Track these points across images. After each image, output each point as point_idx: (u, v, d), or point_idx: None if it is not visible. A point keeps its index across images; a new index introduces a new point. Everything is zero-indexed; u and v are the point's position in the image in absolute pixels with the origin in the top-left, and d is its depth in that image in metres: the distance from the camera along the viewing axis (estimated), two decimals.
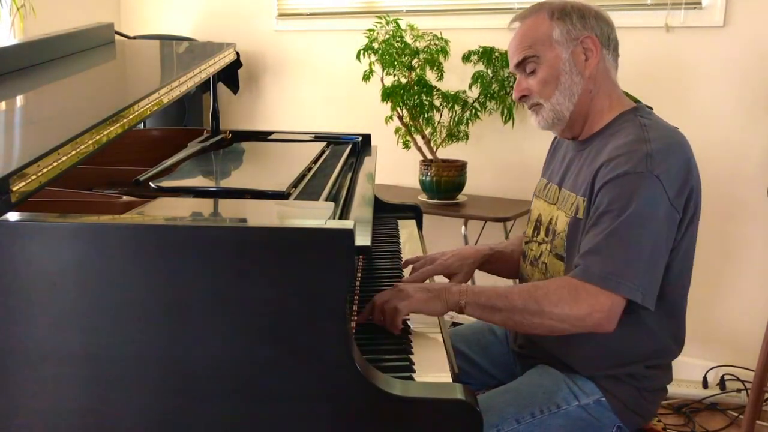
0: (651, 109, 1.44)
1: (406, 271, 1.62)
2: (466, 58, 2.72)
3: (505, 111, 2.71)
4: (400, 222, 2.00)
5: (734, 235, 2.53)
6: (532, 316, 1.22)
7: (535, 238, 1.50)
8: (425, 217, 2.12)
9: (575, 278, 1.23)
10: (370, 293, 1.46)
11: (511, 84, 2.69)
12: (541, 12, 1.39)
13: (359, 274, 1.54)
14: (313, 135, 2.05)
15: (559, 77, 1.37)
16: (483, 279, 2.86)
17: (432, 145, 2.81)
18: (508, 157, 2.87)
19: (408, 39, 2.79)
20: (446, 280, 1.56)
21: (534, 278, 1.50)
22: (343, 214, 1.34)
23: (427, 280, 1.51)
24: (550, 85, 1.38)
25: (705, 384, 2.59)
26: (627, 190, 1.24)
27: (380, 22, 2.79)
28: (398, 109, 2.78)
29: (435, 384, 1.04)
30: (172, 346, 0.94)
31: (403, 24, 2.80)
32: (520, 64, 1.41)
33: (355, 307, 1.37)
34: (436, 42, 2.77)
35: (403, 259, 1.67)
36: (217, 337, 0.94)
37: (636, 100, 1.46)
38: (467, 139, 2.78)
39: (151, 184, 1.36)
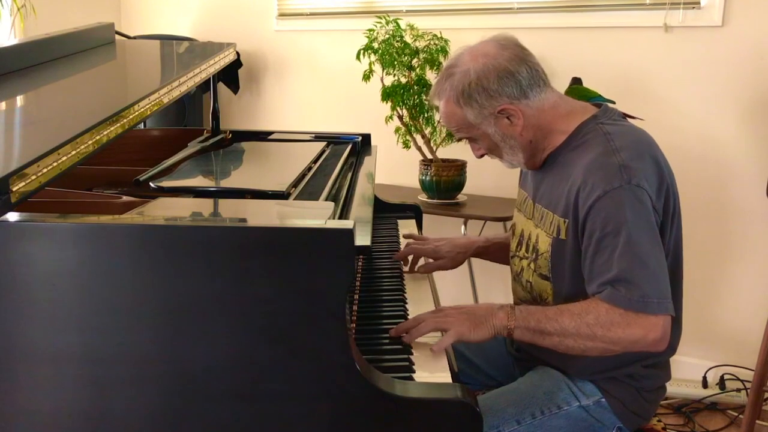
0: (613, 103, 1.42)
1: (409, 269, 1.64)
2: None
3: None
4: (400, 222, 2.00)
5: (733, 235, 2.53)
6: (585, 340, 1.20)
7: (518, 253, 1.49)
8: (425, 217, 2.12)
9: (617, 306, 1.19)
10: (370, 293, 1.47)
11: None
12: (448, 97, 1.37)
13: (359, 274, 1.54)
14: (313, 135, 2.05)
15: (498, 145, 1.40)
16: (481, 266, 2.86)
17: (432, 144, 2.81)
18: None
19: (408, 39, 2.78)
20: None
21: (518, 294, 1.50)
22: (343, 214, 1.34)
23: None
24: (495, 150, 1.42)
25: (705, 384, 2.59)
26: (614, 207, 1.22)
27: (380, 22, 2.79)
28: (398, 108, 2.77)
29: (435, 384, 1.05)
30: (172, 346, 0.94)
31: (402, 24, 2.79)
32: (462, 139, 1.45)
33: (354, 307, 1.37)
34: (436, 42, 2.77)
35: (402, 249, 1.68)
36: (217, 337, 0.94)
37: (597, 95, 1.45)
38: None
39: (151, 184, 1.36)
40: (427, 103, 2.74)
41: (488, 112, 1.35)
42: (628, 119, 1.45)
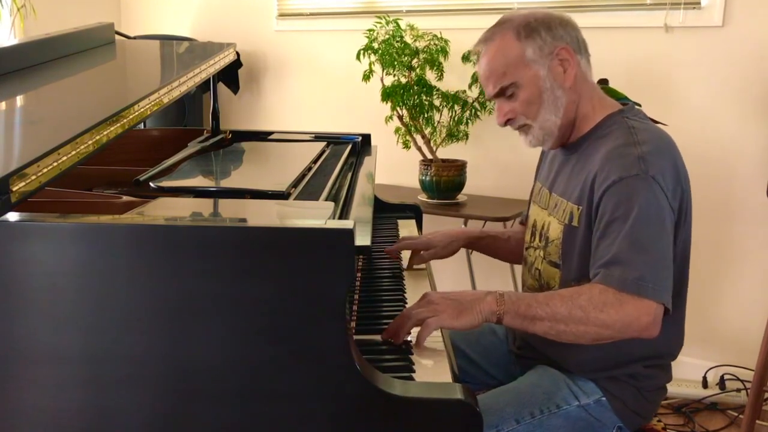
0: (639, 106, 1.43)
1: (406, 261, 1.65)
2: (465, 58, 2.72)
3: None
4: (400, 222, 2.00)
5: (734, 235, 2.54)
6: (577, 324, 1.17)
7: (532, 244, 1.50)
8: (425, 217, 2.12)
9: (610, 286, 1.18)
10: (370, 293, 1.47)
11: None
12: (506, 32, 1.34)
13: (359, 274, 1.54)
14: (313, 135, 2.05)
15: (541, 95, 1.34)
16: (480, 263, 2.86)
17: (432, 144, 2.81)
18: (508, 156, 2.87)
19: (408, 39, 2.79)
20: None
21: (527, 283, 1.50)
22: (343, 214, 1.34)
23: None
24: (534, 104, 1.35)
25: (705, 384, 2.59)
26: (626, 194, 1.22)
27: (380, 22, 2.79)
28: (398, 108, 2.78)
29: (435, 384, 1.04)
30: (172, 346, 0.94)
31: (403, 24, 2.80)
32: (499, 93, 1.37)
33: (354, 307, 1.37)
34: (436, 42, 2.77)
35: (402, 260, 1.68)
36: (217, 337, 0.94)
37: (624, 97, 1.45)
38: (467, 138, 2.78)
39: (151, 184, 1.36)
40: (427, 103, 2.75)
41: (548, 51, 1.33)
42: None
